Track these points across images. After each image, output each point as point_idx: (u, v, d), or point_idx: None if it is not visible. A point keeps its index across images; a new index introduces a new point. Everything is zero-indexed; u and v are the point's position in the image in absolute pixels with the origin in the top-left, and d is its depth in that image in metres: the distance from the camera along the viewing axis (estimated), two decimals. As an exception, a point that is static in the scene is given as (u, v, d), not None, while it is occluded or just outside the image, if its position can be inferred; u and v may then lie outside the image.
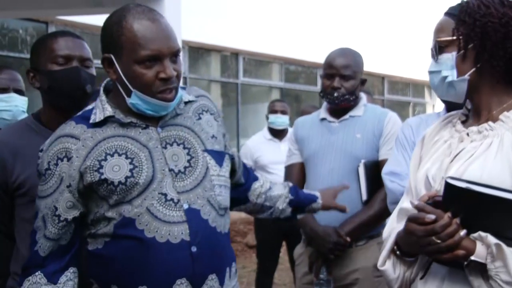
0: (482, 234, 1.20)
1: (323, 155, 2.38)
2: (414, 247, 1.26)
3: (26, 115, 2.17)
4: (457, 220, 1.20)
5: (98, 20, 6.99)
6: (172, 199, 1.40)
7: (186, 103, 1.52)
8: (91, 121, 1.44)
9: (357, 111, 2.43)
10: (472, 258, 1.18)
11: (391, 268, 1.33)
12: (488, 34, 1.28)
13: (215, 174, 1.46)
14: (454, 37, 1.33)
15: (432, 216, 1.19)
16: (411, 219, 1.24)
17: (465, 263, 1.20)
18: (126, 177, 1.38)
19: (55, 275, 1.41)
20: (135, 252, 1.37)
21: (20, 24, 6.50)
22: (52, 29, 6.43)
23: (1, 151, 1.68)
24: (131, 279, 1.38)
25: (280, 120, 4.35)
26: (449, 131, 1.40)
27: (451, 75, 1.33)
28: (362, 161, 2.32)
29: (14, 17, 6.12)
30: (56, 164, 1.41)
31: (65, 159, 1.40)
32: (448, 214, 1.19)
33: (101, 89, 1.49)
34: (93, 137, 1.42)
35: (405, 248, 1.31)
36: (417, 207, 1.23)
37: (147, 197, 1.39)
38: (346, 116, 2.42)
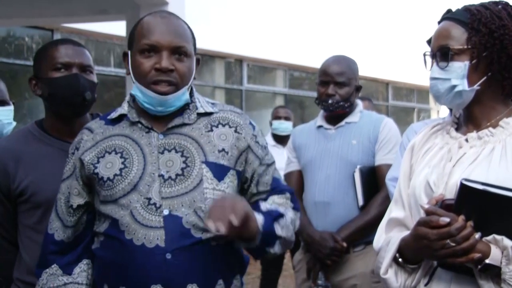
0: (497, 237, 1.20)
1: (320, 162, 2.41)
2: (423, 252, 1.26)
3: (14, 124, 2.14)
4: (471, 223, 1.20)
5: (102, 27, 7.05)
6: (154, 204, 1.41)
7: (200, 114, 1.52)
8: (108, 117, 1.53)
9: (353, 118, 2.45)
10: (487, 261, 1.18)
11: (394, 277, 1.32)
12: (505, 46, 1.30)
13: (210, 187, 1.43)
14: (468, 46, 1.31)
15: (447, 219, 1.19)
16: (421, 223, 1.23)
17: (479, 266, 1.20)
18: (115, 175, 1.43)
19: (69, 266, 1.50)
20: (118, 253, 1.41)
21: (26, 32, 6.55)
22: (57, 36, 6.46)
23: (4, 158, 1.69)
24: (116, 279, 1.42)
25: (284, 126, 4.35)
26: (442, 138, 1.40)
27: (461, 84, 1.32)
28: (358, 166, 2.34)
29: (20, 24, 6.17)
30: (73, 153, 1.53)
31: (78, 149, 1.51)
32: (462, 216, 1.20)
33: (130, 91, 1.55)
34: (103, 133, 1.50)
35: (410, 255, 1.30)
36: (427, 211, 1.23)
37: (132, 199, 1.42)
38: (342, 123, 2.45)
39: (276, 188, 1.57)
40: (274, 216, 1.47)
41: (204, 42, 7.74)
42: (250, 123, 1.56)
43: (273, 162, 1.59)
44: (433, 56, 1.37)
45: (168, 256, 1.38)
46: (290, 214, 1.52)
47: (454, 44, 1.33)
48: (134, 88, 1.47)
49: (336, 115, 2.44)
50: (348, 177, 2.35)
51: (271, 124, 4.47)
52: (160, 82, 1.43)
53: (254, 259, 1.55)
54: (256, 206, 1.48)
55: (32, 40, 6.59)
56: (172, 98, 1.45)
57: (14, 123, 2.16)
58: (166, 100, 1.45)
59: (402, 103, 12.78)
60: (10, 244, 1.74)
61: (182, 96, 1.47)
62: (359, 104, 2.53)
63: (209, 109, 1.53)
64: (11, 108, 2.17)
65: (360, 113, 2.47)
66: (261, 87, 9.43)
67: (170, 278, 1.37)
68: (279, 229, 1.47)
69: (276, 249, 1.49)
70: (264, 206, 1.50)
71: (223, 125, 1.51)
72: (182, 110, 1.50)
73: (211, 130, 1.50)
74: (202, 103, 1.54)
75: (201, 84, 8.38)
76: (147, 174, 1.43)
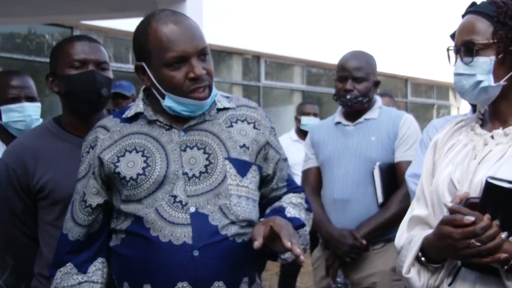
0: None
1: (338, 158, 2.39)
2: (447, 251, 1.23)
3: (40, 121, 2.18)
4: (496, 222, 1.17)
5: (121, 24, 7.12)
6: (180, 201, 1.40)
7: (219, 109, 1.51)
8: (123, 115, 1.50)
9: (372, 114, 2.43)
10: None
11: (416, 276, 1.30)
12: None
13: (234, 183, 1.43)
14: (494, 41, 1.28)
15: (472, 218, 1.16)
16: (445, 222, 1.21)
17: (505, 267, 1.17)
18: (138, 174, 1.42)
19: (84, 264, 1.48)
20: (142, 250, 1.40)
21: (47, 30, 6.63)
22: (77, 34, 6.53)
23: (23, 155, 1.70)
24: (138, 276, 1.40)
25: (313, 122, 4.34)
26: (467, 134, 1.37)
27: (487, 80, 1.29)
28: (377, 163, 2.32)
29: (40, 22, 6.24)
30: (88, 152, 1.50)
31: (94, 148, 1.48)
32: (487, 215, 1.17)
33: (142, 88, 1.53)
34: (120, 131, 1.48)
35: (433, 254, 1.28)
36: (451, 209, 1.20)
37: (157, 197, 1.41)
38: (361, 119, 2.43)
39: (291, 185, 1.58)
40: (296, 225, 1.45)
41: (222, 38, 7.76)
42: (266, 116, 1.56)
43: (286, 158, 1.60)
44: (457, 51, 1.34)
45: (196, 253, 1.36)
46: (303, 216, 1.52)
47: (479, 39, 1.30)
48: (167, 100, 1.43)
49: (354, 111, 2.43)
50: (367, 174, 2.33)
51: (298, 120, 4.47)
52: (197, 89, 1.42)
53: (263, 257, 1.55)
54: (281, 210, 1.48)
55: (53, 38, 6.67)
56: (209, 100, 1.46)
57: (41, 120, 2.20)
58: (206, 104, 1.45)
59: (421, 99, 12.64)
60: (31, 239, 1.75)
61: (213, 94, 1.48)
62: (378, 100, 2.51)
63: (226, 104, 1.52)
64: (39, 104, 2.22)
65: (379, 109, 2.45)
66: (278, 83, 9.41)
67: (197, 276, 1.36)
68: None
69: (287, 255, 1.47)
70: (288, 212, 1.49)
71: (242, 121, 1.51)
72: None
73: (231, 126, 1.49)
74: (219, 98, 1.53)
75: (218, 80, 8.40)
76: (171, 172, 1.42)
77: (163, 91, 1.43)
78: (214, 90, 1.48)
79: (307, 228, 1.53)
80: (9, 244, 1.82)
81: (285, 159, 1.58)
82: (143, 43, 1.43)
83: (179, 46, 1.39)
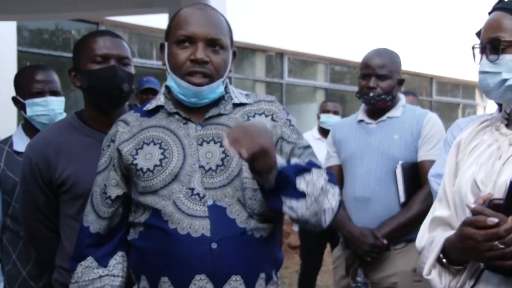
0: None
1: (361, 156, 2.37)
2: (469, 253, 1.20)
3: (64, 115, 2.21)
4: None
5: (145, 20, 7.17)
6: (198, 194, 1.41)
7: (236, 105, 1.52)
8: (144, 108, 1.53)
9: (395, 112, 2.40)
10: None
11: (437, 278, 1.28)
12: None
13: (250, 177, 1.42)
14: None
15: (495, 219, 1.14)
16: (467, 223, 1.18)
17: None
18: (155, 165, 1.43)
19: (105, 258, 1.49)
20: (161, 243, 1.40)
21: (73, 25, 6.73)
22: (102, 29, 6.61)
23: (46, 149, 1.72)
24: (156, 269, 1.41)
25: (332, 120, 4.34)
26: (491, 135, 1.34)
27: None
28: (400, 162, 2.29)
29: (67, 18, 6.34)
30: (109, 146, 1.53)
31: (114, 141, 1.51)
32: None
33: (164, 83, 1.55)
34: (139, 125, 1.51)
35: (455, 256, 1.25)
36: (474, 211, 1.18)
37: (174, 190, 1.42)
38: (384, 117, 2.40)
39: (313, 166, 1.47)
40: (299, 169, 1.37)
41: (245, 35, 7.76)
42: (283, 109, 1.56)
43: (309, 146, 1.55)
44: (483, 49, 1.32)
45: (214, 245, 1.37)
46: (321, 179, 1.40)
47: (505, 36, 1.27)
48: (169, 79, 1.48)
49: (377, 109, 2.41)
50: (389, 173, 2.31)
51: (318, 117, 4.49)
52: (194, 73, 1.44)
53: (270, 210, 1.43)
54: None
55: (79, 33, 6.77)
56: (206, 90, 1.46)
57: (64, 114, 2.23)
58: (201, 91, 1.45)
59: (447, 98, 12.45)
60: (53, 232, 1.78)
61: (216, 88, 1.47)
62: (402, 98, 2.49)
63: (244, 100, 1.53)
64: (62, 99, 2.25)
65: (403, 108, 2.43)
66: (301, 81, 9.38)
67: (215, 268, 1.37)
68: (302, 183, 1.34)
69: (295, 205, 1.34)
70: (293, 160, 1.42)
71: (260, 115, 1.52)
72: (218, 101, 1.50)
73: (248, 120, 1.50)
74: (237, 94, 1.54)
75: (241, 77, 8.41)
76: (187, 165, 1.43)
77: (169, 69, 1.47)
78: (220, 87, 1.48)
79: (314, 176, 1.38)
80: (32, 237, 1.85)
81: (303, 147, 1.52)
82: (169, 25, 1.51)
83: (190, 27, 1.44)
